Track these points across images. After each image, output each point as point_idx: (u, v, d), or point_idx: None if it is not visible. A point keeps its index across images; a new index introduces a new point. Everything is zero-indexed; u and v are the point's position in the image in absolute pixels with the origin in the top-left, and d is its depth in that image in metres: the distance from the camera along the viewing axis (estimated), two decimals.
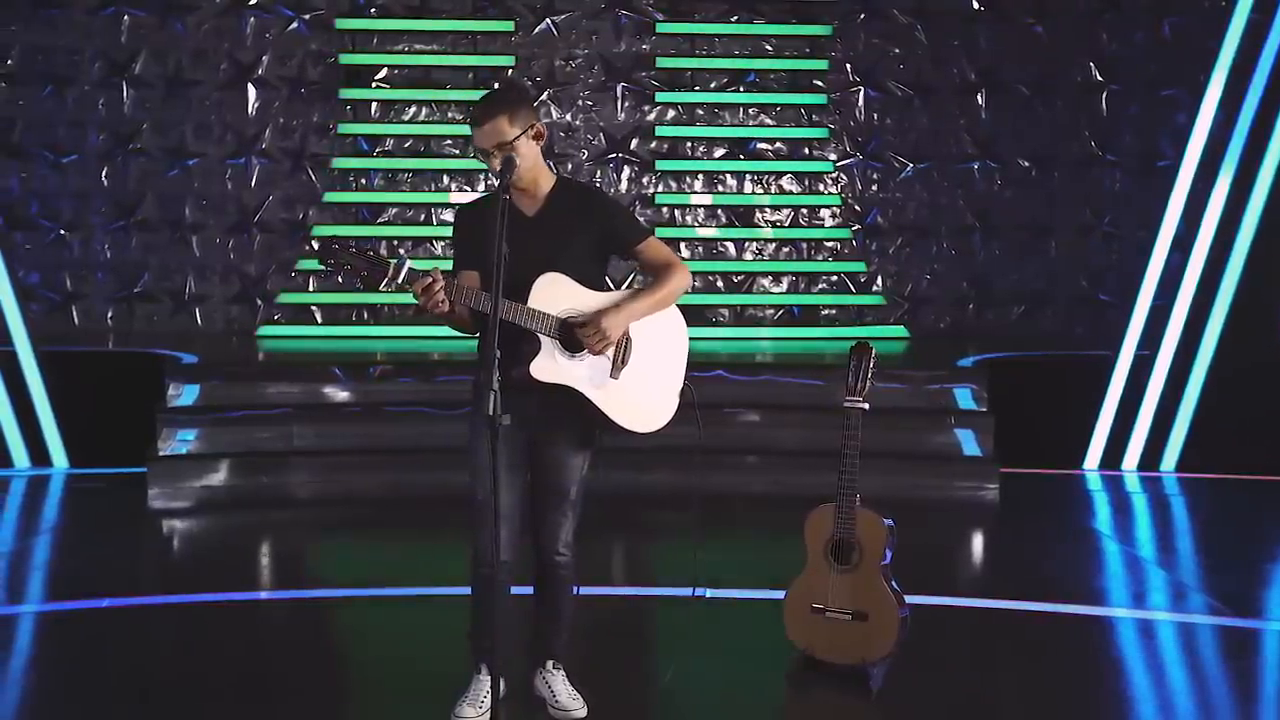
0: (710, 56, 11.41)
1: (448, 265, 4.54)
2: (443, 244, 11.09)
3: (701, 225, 11.38)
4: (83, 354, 9.84)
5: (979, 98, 11.38)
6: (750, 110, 11.43)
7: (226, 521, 7.95)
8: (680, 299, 4.58)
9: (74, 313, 10.99)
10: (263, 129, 11.12)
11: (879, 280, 11.40)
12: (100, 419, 8.93)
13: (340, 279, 9.98)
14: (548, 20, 11.31)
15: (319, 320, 11.06)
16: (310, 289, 11.10)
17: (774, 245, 11.39)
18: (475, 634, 4.59)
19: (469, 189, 11.19)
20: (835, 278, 11.39)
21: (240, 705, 4.86)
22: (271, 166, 11.15)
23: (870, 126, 11.41)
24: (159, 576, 6.89)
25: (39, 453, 8.94)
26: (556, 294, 4.39)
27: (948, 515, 8.01)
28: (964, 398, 9.00)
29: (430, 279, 4.28)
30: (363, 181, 11.29)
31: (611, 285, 4.62)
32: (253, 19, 11.08)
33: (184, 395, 8.79)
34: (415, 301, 4.32)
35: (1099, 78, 11.23)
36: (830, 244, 11.41)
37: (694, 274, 4.62)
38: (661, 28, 11.31)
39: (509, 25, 11.25)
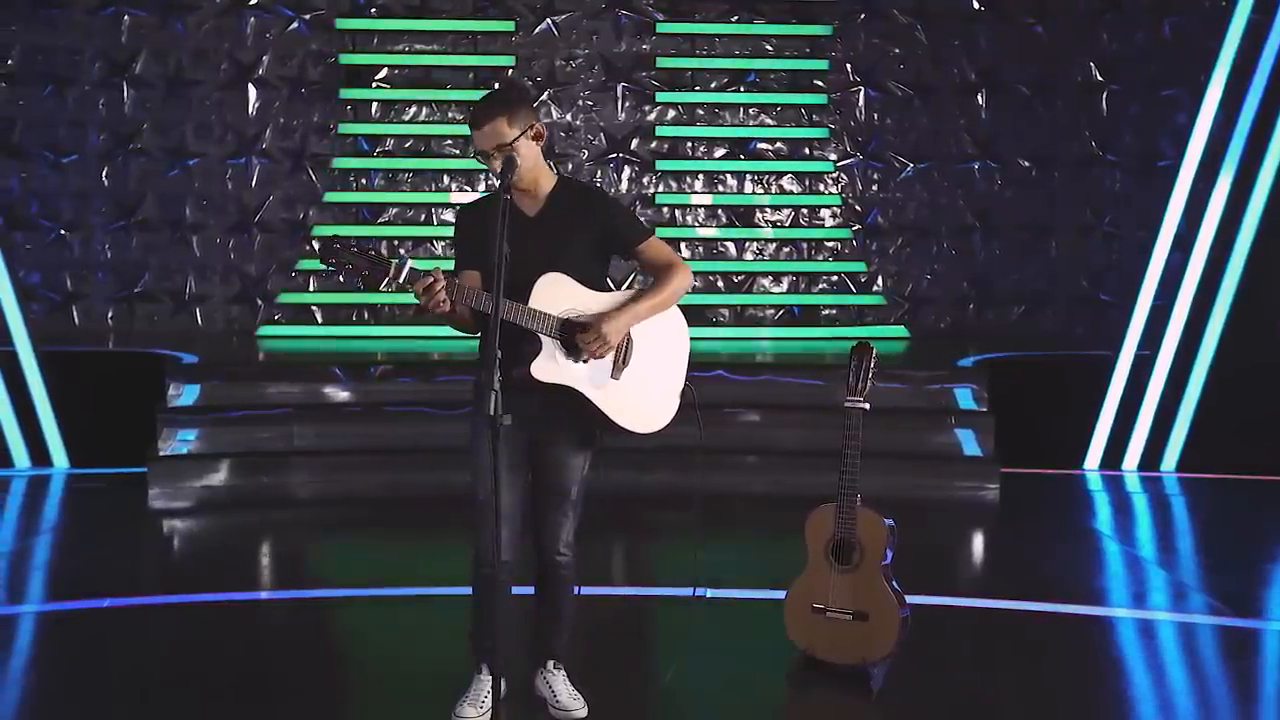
0: (710, 56, 11.41)
1: (449, 265, 4.54)
2: (443, 244, 11.09)
3: (702, 225, 11.38)
4: (83, 354, 9.85)
5: (979, 98, 11.38)
6: (750, 110, 11.43)
7: (227, 521, 7.95)
8: (681, 299, 4.58)
9: (74, 313, 10.99)
10: (263, 129, 11.12)
11: (879, 280, 11.40)
12: (101, 419, 8.93)
13: (341, 279, 9.98)
14: (548, 20, 11.31)
15: (319, 320, 11.07)
16: (311, 289, 11.11)
17: (774, 245, 11.40)
18: (476, 634, 4.59)
19: (469, 189, 11.19)
20: (836, 278, 11.39)
21: (240, 705, 4.86)
22: (272, 166, 11.15)
23: (870, 126, 11.41)
24: (159, 576, 6.89)
25: (39, 453, 8.94)
26: (557, 294, 4.39)
27: (948, 515, 8.01)
28: (964, 398, 9.00)
29: (431, 279, 4.28)
30: (363, 181, 11.30)
31: (612, 285, 4.62)
32: (253, 19, 11.08)
33: (184, 395, 8.79)
34: (416, 301, 4.32)
35: (1099, 78, 11.23)
36: (831, 244, 11.42)
37: (695, 274, 4.60)
38: (662, 28, 11.32)
39: (509, 25, 11.26)
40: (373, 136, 11.28)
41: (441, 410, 8.51)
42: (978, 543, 7.87)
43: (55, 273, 10.95)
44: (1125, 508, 8.61)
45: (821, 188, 11.43)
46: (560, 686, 4.64)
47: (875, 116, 11.41)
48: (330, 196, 11.15)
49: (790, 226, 11.41)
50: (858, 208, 11.43)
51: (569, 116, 11.34)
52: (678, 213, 11.40)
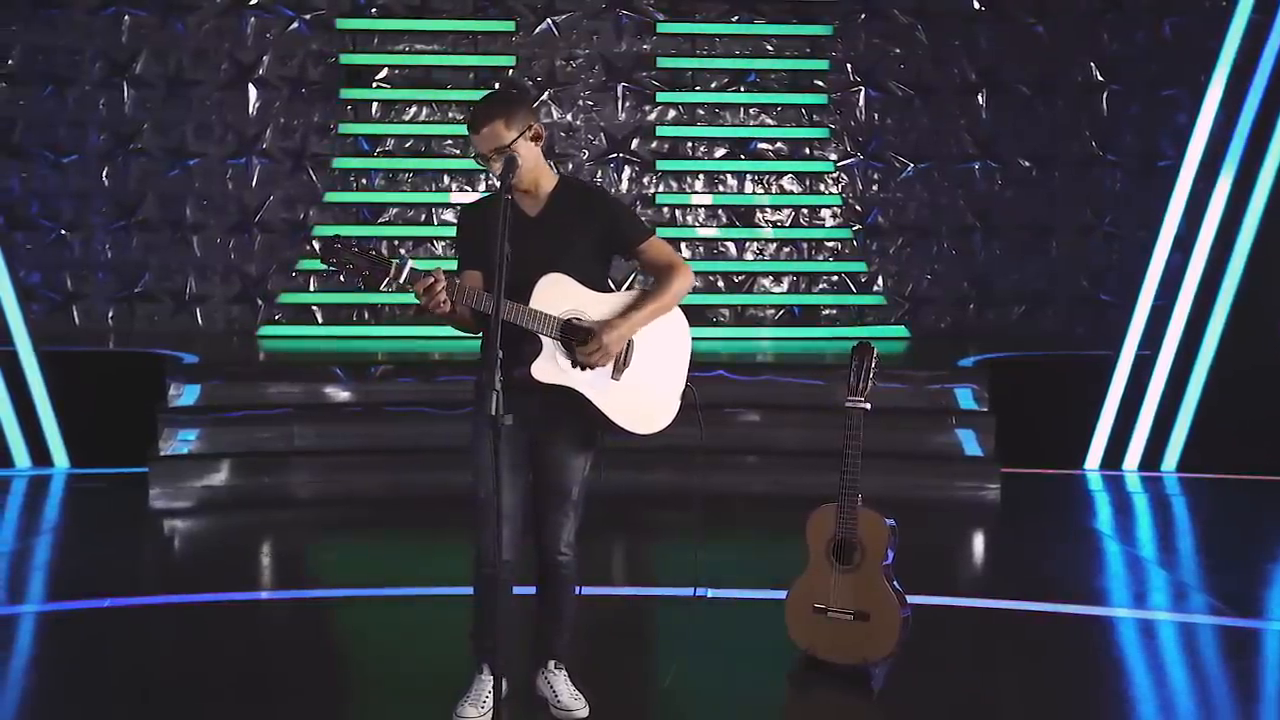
0: (711, 56, 11.41)
1: (449, 265, 4.54)
2: (443, 244, 11.10)
3: (702, 225, 11.38)
4: (84, 354, 9.85)
5: (980, 98, 11.38)
6: (751, 110, 11.43)
7: (227, 521, 7.95)
8: (682, 299, 4.57)
9: (75, 313, 10.99)
10: (263, 129, 11.12)
11: (880, 280, 11.40)
12: (101, 419, 8.93)
13: (342, 278, 9.98)
14: (548, 20, 11.31)
15: (320, 320, 11.07)
16: (311, 289, 11.11)
17: (775, 245, 11.40)
18: (477, 634, 4.59)
19: (469, 189, 11.19)
20: (836, 278, 11.39)
21: (240, 705, 4.86)
22: (272, 166, 11.15)
23: (871, 126, 11.41)
24: (160, 576, 6.89)
25: (40, 453, 8.94)
26: (559, 295, 4.38)
27: (948, 515, 8.01)
28: (965, 398, 9.00)
29: (432, 279, 4.28)
30: (363, 181, 11.30)
31: (613, 285, 4.62)
32: (253, 19, 11.09)
33: (185, 395, 8.79)
34: (417, 301, 4.32)
35: (1100, 78, 11.23)
36: (831, 244, 11.42)
37: (695, 274, 4.59)
38: (662, 28, 11.32)
39: (510, 25, 11.26)
40: (373, 136, 11.28)
41: (442, 410, 8.51)
42: (978, 543, 7.87)
43: (56, 273, 10.96)
44: (1126, 508, 8.61)
45: (822, 188, 11.43)
46: (561, 686, 4.64)
47: (875, 116, 11.42)
48: (330, 196, 11.15)
49: (791, 226, 11.41)
50: (858, 208, 11.43)
51: (569, 116, 11.34)
52: (678, 213, 11.40)
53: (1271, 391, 8.98)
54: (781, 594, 5.03)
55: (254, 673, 5.21)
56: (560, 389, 4.40)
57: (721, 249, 11.39)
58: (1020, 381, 9.25)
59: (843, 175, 11.42)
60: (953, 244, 11.43)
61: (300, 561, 7.31)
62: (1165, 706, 5.06)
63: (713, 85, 11.45)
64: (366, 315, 11.13)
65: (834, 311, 11.35)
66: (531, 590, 4.65)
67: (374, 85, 11.24)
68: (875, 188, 11.44)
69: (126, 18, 10.96)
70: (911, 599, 4.93)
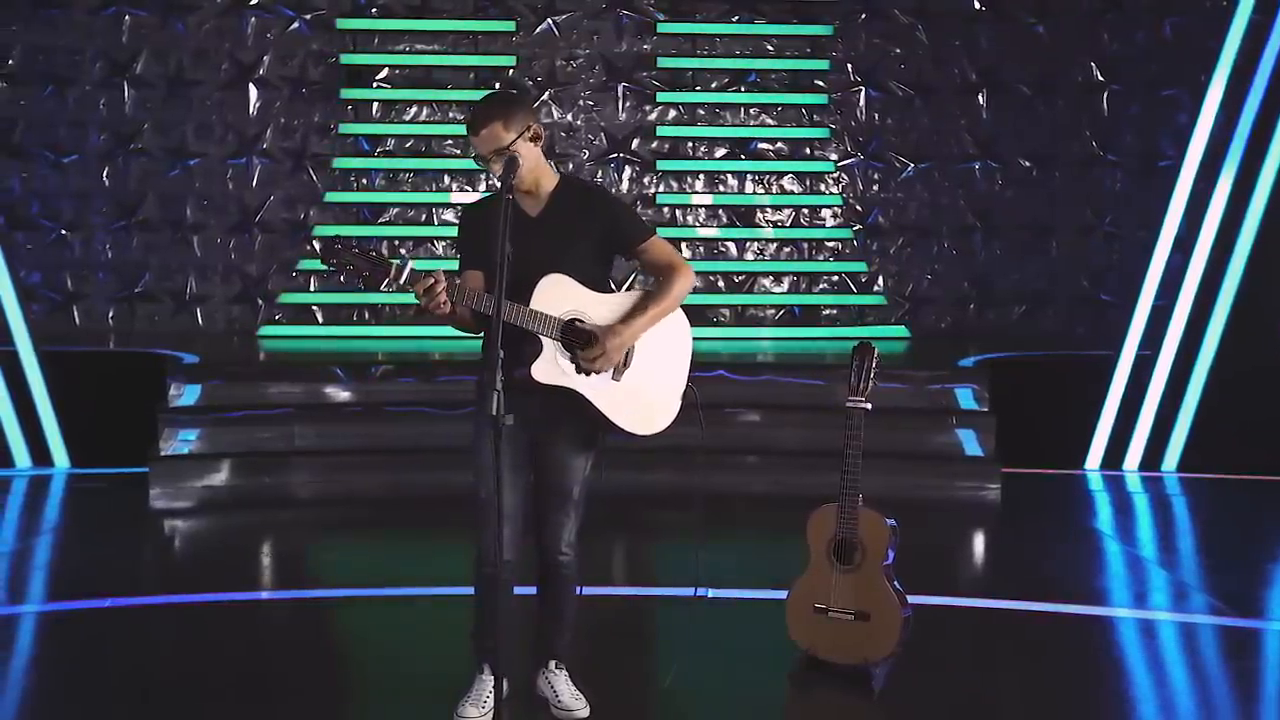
0: (711, 56, 11.41)
1: (450, 265, 4.54)
2: (444, 244, 11.10)
3: (702, 225, 11.38)
4: (84, 354, 9.85)
5: (980, 98, 11.38)
6: (751, 110, 11.43)
7: (228, 521, 7.95)
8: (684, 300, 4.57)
9: (75, 313, 10.99)
10: (264, 129, 11.12)
11: (880, 280, 11.40)
12: (101, 419, 8.93)
13: (342, 279, 9.98)
14: (549, 20, 11.31)
15: (320, 320, 11.07)
16: (311, 289, 11.11)
17: (775, 245, 11.40)
18: (478, 634, 4.59)
19: (470, 189, 11.20)
20: (836, 278, 11.39)
21: (240, 705, 4.86)
22: (273, 166, 11.15)
23: (871, 126, 11.41)
24: (160, 576, 6.89)
25: (40, 452, 8.94)
26: (560, 295, 4.38)
27: (949, 515, 8.01)
28: (965, 398, 9.00)
29: (432, 280, 4.27)
30: (364, 181, 11.30)
31: (613, 285, 4.61)
32: (254, 19, 11.09)
33: (185, 395, 8.79)
34: (417, 302, 4.32)
35: (1100, 78, 11.22)
36: (831, 244, 11.42)
37: (695, 274, 4.59)
38: (663, 28, 11.32)
39: (510, 25, 11.26)
40: (373, 136, 11.28)
41: (442, 410, 8.51)
42: (979, 543, 7.87)
43: (56, 273, 10.96)
44: (1126, 508, 8.61)
45: (822, 188, 11.43)
46: (562, 686, 4.64)
47: (876, 116, 11.42)
48: (331, 196, 11.15)
49: (791, 226, 11.41)
50: (858, 208, 11.43)
51: (570, 116, 11.34)
52: (678, 213, 11.40)
53: (1272, 392, 8.98)
54: (782, 594, 5.03)
55: (254, 673, 5.21)
56: (561, 389, 4.39)
57: (722, 249, 11.39)
58: (1021, 381, 9.25)
59: (843, 175, 11.43)
60: (953, 244, 11.43)
61: (300, 561, 7.31)
62: (1165, 706, 5.06)
63: (713, 85, 11.45)
64: (367, 315, 11.13)
65: (834, 311, 11.35)
66: (532, 590, 4.65)
67: (374, 85, 11.24)
68: (876, 188, 11.44)
69: (127, 18, 10.96)
70: (912, 599, 4.93)
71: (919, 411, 8.92)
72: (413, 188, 11.28)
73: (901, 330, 11.15)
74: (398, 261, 4.32)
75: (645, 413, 4.49)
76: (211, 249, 11.12)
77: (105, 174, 10.99)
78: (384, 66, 11.25)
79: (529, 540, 4.59)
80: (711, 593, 5.86)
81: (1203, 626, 5.94)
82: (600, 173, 11.29)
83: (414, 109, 11.30)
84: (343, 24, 11.19)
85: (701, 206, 11.37)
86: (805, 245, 11.41)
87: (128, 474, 8.42)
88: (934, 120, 11.40)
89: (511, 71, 11.26)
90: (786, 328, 11.28)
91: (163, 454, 8.29)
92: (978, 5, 11.34)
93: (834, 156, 11.41)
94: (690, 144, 11.43)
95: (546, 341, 4.37)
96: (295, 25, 11.13)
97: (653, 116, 11.39)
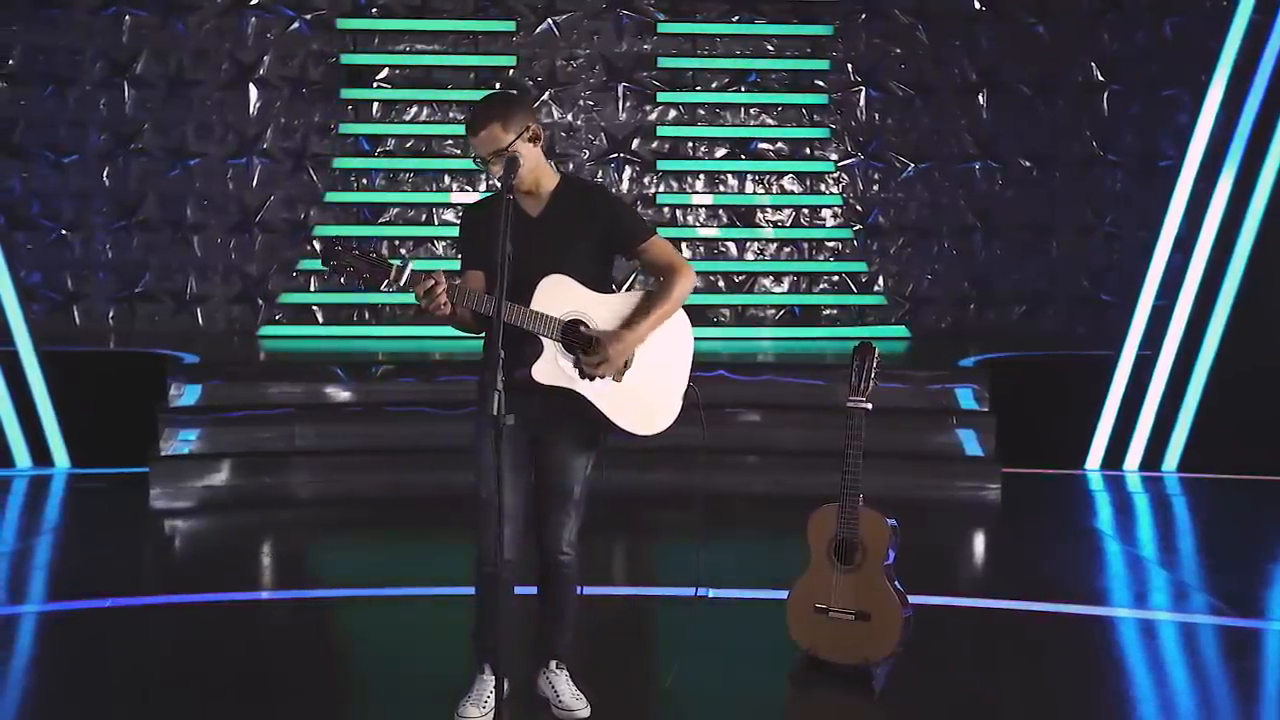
0: (711, 56, 11.41)
1: (450, 265, 4.54)
2: (444, 244, 11.10)
3: (703, 225, 11.38)
4: (84, 354, 9.85)
5: (980, 98, 11.38)
6: (751, 110, 11.43)
7: (228, 521, 7.95)
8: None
9: (75, 313, 10.99)
10: (264, 129, 11.12)
11: (880, 280, 11.40)
12: (102, 419, 8.93)
13: (343, 281, 9.99)
14: (549, 20, 11.31)
15: (320, 320, 11.07)
16: (311, 289, 11.11)
17: (775, 245, 11.40)
18: (479, 634, 4.59)
19: (470, 189, 11.20)
20: (836, 278, 11.39)
21: (240, 705, 4.85)
22: (273, 166, 11.15)
23: (871, 126, 11.41)
24: (160, 576, 6.89)
25: (40, 452, 8.94)
26: (560, 296, 4.38)
27: (949, 515, 8.01)
28: (965, 398, 9.00)
29: (432, 282, 4.27)
30: (364, 181, 11.30)
31: (614, 285, 4.61)
32: (254, 19, 11.08)
33: (185, 395, 8.79)
34: (417, 302, 4.32)
35: (1100, 78, 11.22)
36: (831, 244, 11.42)
37: (695, 274, 4.59)
38: (663, 28, 11.32)
39: (510, 25, 11.26)
40: (374, 136, 11.28)
41: (442, 410, 8.52)
42: (979, 543, 7.87)
43: (56, 273, 10.96)
44: (1126, 508, 8.61)
45: (822, 188, 11.43)
46: (563, 686, 4.64)
47: (876, 116, 11.42)
48: (331, 196, 11.16)
49: (791, 226, 11.41)
50: (859, 208, 11.43)
51: (570, 116, 11.34)
52: (679, 213, 11.40)
53: (1272, 392, 8.98)
54: (783, 594, 5.03)
55: (254, 673, 5.21)
56: (561, 390, 4.39)
57: (722, 249, 11.39)
58: (1021, 381, 9.25)
59: (843, 175, 11.42)
60: (953, 244, 11.43)
61: (300, 561, 7.31)
62: (1166, 706, 5.06)
63: (713, 85, 11.45)
64: (367, 315, 11.13)
65: (834, 311, 11.35)
66: (533, 590, 4.65)
67: (374, 85, 11.24)
68: (876, 188, 11.44)
69: (127, 18, 10.95)
70: (912, 599, 4.93)
71: (919, 411, 8.92)
72: (413, 188, 11.28)
73: (902, 330, 11.15)
74: (398, 263, 4.31)
75: (646, 413, 4.49)
76: (212, 249, 11.12)
77: (105, 174, 10.99)
78: (384, 66, 11.25)
79: (530, 540, 4.59)
80: (712, 593, 5.85)
81: (1203, 626, 5.94)
82: (600, 173, 11.29)
83: (414, 109, 11.30)
84: (343, 24, 11.18)
85: (702, 206, 11.37)
86: (805, 245, 11.41)
87: (128, 474, 8.42)
88: (934, 120, 11.40)
89: (512, 71, 11.26)
90: (787, 328, 11.28)
91: (163, 454, 8.29)
92: (978, 5, 11.34)
93: (834, 156, 11.41)
94: (690, 144, 11.43)
95: (547, 342, 4.37)
96: (295, 25, 11.13)
97: (653, 116, 11.39)
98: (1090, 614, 6.07)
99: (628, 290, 4.56)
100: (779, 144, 11.41)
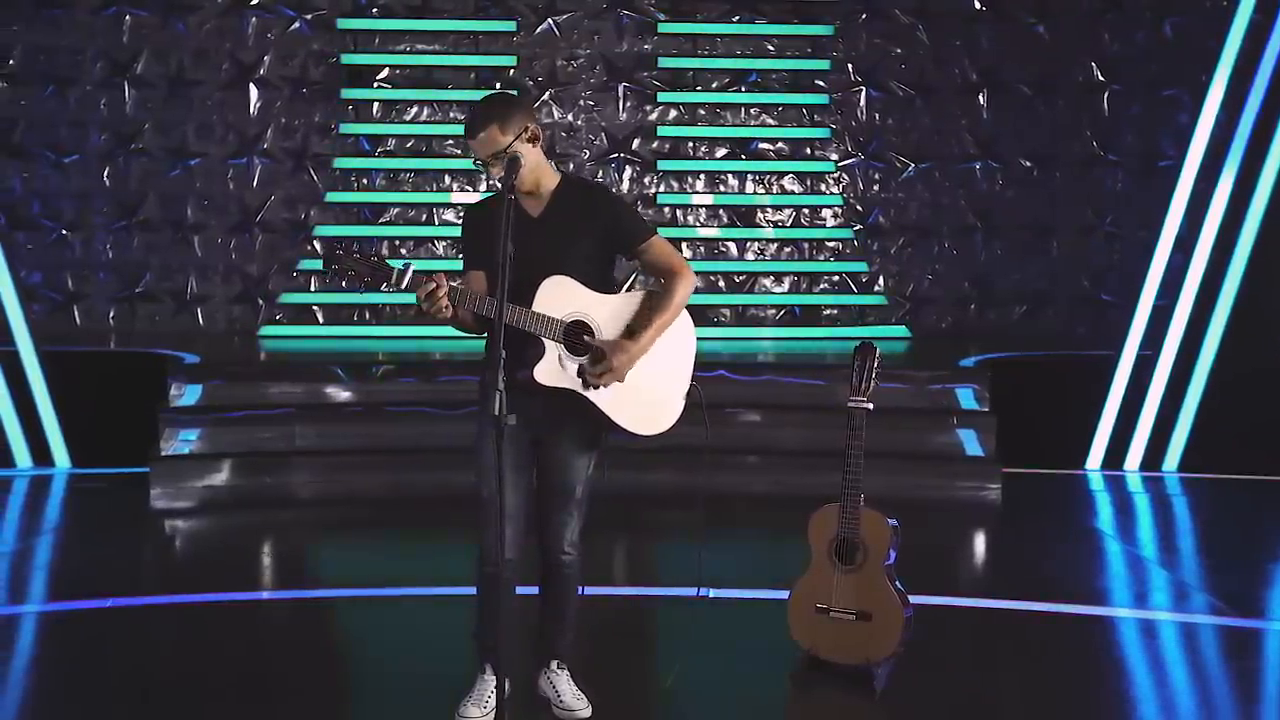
0: (712, 56, 11.41)
1: (450, 265, 4.54)
2: (444, 244, 11.09)
3: (703, 225, 11.38)
4: (85, 354, 9.85)
5: (980, 98, 11.38)
6: (752, 110, 11.43)
7: (228, 521, 7.94)
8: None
9: (76, 313, 11.00)
10: (264, 129, 11.12)
11: (881, 280, 11.40)
12: (102, 419, 8.93)
13: (344, 284, 10.00)
14: (549, 20, 11.31)
15: (321, 320, 11.07)
16: (312, 289, 11.11)
17: (775, 245, 11.40)
18: (480, 633, 4.59)
19: (470, 189, 11.19)
20: (837, 278, 11.39)
21: (241, 705, 4.86)
22: (273, 166, 11.15)
23: (872, 126, 11.41)
24: (160, 576, 6.89)
25: (41, 452, 8.94)
26: (562, 296, 4.38)
27: (949, 515, 8.01)
28: (966, 398, 9.00)
29: (433, 284, 4.27)
30: (364, 181, 11.30)
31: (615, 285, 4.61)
32: (254, 19, 11.08)
33: (186, 395, 8.79)
34: (418, 303, 4.32)
35: (1100, 78, 11.22)
36: (832, 244, 11.42)
37: (696, 274, 4.59)
38: (663, 28, 11.32)
39: (511, 25, 11.26)
40: (374, 136, 11.28)
41: (443, 410, 8.52)
42: (979, 543, 7.87)
43: (57, 272, 10.96)
44: (1127, 508, 8.61)
45: (823, 188, 11.43)
46: (564, 686, 4.64)
47: (876, 116, 11.42)
48: (331, 196, 11.16)
49: (791, 226, 11.41)
50: (859, 208, 11.43)
51: (570, 116, 11.34)
52: (679, 213, 11.40)
53: (1272, 392, 8.98)
54: (783, 594, 5.03)
55: (254, 673, 5.21)
56: (563, 391, 4.40)
57: (722, 249, 11.39)
58: (1021, 381, 9.24)
59: (844, 175, 11.42)
60: (954, 244, 11.43)
61: (300, 561, 7.31)
62: (1166, 706, 5.06)
63: (714, 85, 11.45)
64: (368, 315, 11.13)
65: (835, 311, 11.35)
66: (534, 590, 4.65)
67: (375, 85, 11.24)
68: (876, 188, 11.44)
69: (128, 18, 10.96)
70: (913, 599, 4.93)
71: (920, 411, 8.92)
72: (413, 188, 11.28)
73: (902, 330, 11.15)
74: (399, 266, 4.31)
75: (648, 413, 4.49)
76: (212, 249, 11.12)
77: (106, 174, 10.99)
78: (385, 66, 11.25)
79: (531, 540, 4.60)
80: (713, 593, 5.85)
81: (1203, 626, 5.95)
82: (601, 173, 11.29)
83: (415, 109, 11.30)
84: (343, 24, 11.18)
85: (702, 206, 11.37)
86: (806, 245, 11.41)
87: (128, 474, 8.43)
88: (934, 120, 11.40)
89: (512, 71, 11.26)
90: (787, 328, 11.28)
91: (163, 454, 8.29)
92: (978, 5, 11.34)
93: (834, 156, 11.41)
94: (691, 144, 11.43)
95: (549, 344, 4.37)
96: (296, 25, 11.13)
97: (653, 116, 11.39)
98: (1090, 614, 6.07)
99: (628, 290, 4.56)
100: (779, 144, 11.41)
